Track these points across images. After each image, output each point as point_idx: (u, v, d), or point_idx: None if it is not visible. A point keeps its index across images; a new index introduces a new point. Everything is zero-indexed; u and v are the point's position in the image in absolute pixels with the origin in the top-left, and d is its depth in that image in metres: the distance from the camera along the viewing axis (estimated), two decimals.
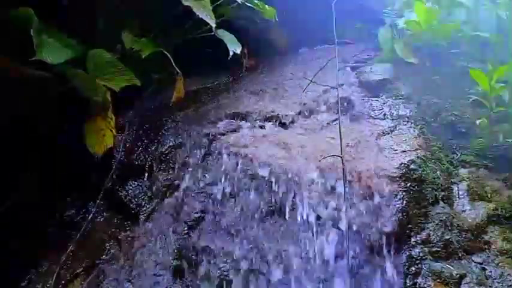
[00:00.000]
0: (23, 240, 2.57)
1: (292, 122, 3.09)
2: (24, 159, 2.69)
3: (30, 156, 2.69)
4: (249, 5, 3.40)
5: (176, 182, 2.68)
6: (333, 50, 3.26)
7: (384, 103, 3.15)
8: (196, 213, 2.51)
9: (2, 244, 2.50)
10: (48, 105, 2.67)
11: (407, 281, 2.15)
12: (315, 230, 2.31)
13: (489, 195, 2.50)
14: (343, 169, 2.42)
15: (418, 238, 2.27)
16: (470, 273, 2.17)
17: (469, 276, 2.15)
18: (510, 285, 2.14)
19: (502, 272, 2.19)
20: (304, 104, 3.23)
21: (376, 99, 3.22)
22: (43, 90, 2.60)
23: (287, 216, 2.38)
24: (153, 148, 2.88)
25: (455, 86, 3.15)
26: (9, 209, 2.59)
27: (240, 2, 3.30)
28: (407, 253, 2.22)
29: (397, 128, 2.88)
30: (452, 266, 2.18)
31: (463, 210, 2.45)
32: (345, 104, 3.18)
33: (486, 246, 2.30)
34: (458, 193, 2.53)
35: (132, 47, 2.95)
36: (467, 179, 2.59)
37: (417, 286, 2.14)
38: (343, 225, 2.28)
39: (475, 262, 2.24)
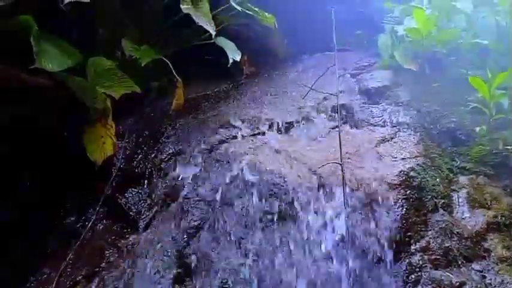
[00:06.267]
0: (22, 248, 2.57)
1: (292, 129, 3.10)
2: (24, 166, 2.69)
3: (30, 162, 2.69)
4: (249, 12, 3.41)
5: (176, 190, 2.68)
6: (333, 57, 3.27)
7: (384, 110, 3.16)
8: (196, 220, 2.51)
9: (1, 251, 2.50)
10: (48, 113, 2.68)
11: None
12: (315, 236, 2.31)
13: (489, 202, 2.49)
14: (343, 176, 2.42)
15: (417, 246, 2.27)
16: (470, 281, 2.16)
17: (469, 284, 2.15)
18: None
19: (502, 280, 2.18)
20: (304, 111, 3.23)
21: (376, 106, 3.23)
22: (43, 97, 2.61)
23: (287, 224, 2.38)
24: (152, 155, 2.89)
25: (455, 93, 3.15)
26: (9, 215, 2.59)
27: (239, 9, 3.31)
28: (407, 261, 2.22)
29: (397, 135, 2.88)
30: (452, 274, 2.18)
31: (462, 218, 2.44)
32: (345, 111, 3.20)
33: (486, 254, 2.29)
34: (458, 200, 2.52)
35: (131, 54, 2.96)
36: (467, 186, 2.58)
37: None
38: (343, 232, 2.28)
39: (474, 270, 2.23)
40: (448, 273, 2.18)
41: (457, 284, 2.14)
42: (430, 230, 2.33)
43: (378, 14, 4.15)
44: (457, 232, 2.35)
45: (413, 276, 2.17)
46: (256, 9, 3.47)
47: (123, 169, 2.87)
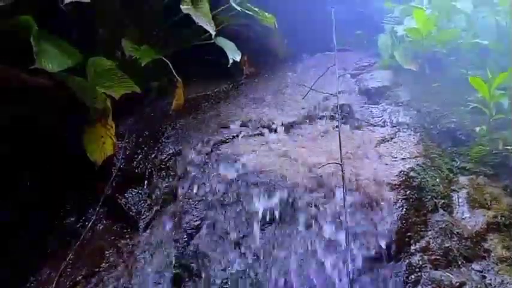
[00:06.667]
0: (22, 248, 2.57)
1: (292, 129, 3.09)
2: (24, 166, 2.69)
3: (30, 162, 2.69)
4: (249, 12, 3.41)
5: (176, 190, 2.68)
6: (333, 57, 3.27)
7: (384, 110, 3.16)
8: (196, 220, 2.51)
9: (1, 251, 2.50)
10: (48, 113, 2.68)
11: None
12: (315, 237, 2.31)
13: (489, 202, 2.49)
14: (343, 177, 2.41)
15: (417, 246, 2.26)
16: (470, 281, 2.16)
17: (469, 284, 2.14)
18: None
19: (502, 280, 2.17)
20: (304, 111, 3.23)
21: (376, 106, 3.23)
22: (43, 97, 2.61)
23: (287, 225, 2.38)
24: (152, 156, 2.89)
25: (455, 93, 3.16)
26: (9, 215, 2.59)
27: (239, 9, 3.31)
28: (407, 261, 2.22)
29: (397, 135, 2.88)
30: (452, 274, 2.17)
31: (462, 218, 2.44)
32: (345, 111, 3.20)
33: (486, 254, 2.29)
34: (458, 201, 2.52)
35: (131, 54, 2.96)
36: (466, 187, 2.58)
37: None
38: (342, 233, 2.28)
39: (474, 270, 2.22)
40: (448, 274, 2.17)
41: (457, 284, 2.14)
42: (430, 230, 2.33)
43: (378, 14, 4.15)
44: (457, 232, 2.34)
45: (413, 277, 2.17)
46: (256, 9, 3.47)
47: (123, 169, 2.86)
